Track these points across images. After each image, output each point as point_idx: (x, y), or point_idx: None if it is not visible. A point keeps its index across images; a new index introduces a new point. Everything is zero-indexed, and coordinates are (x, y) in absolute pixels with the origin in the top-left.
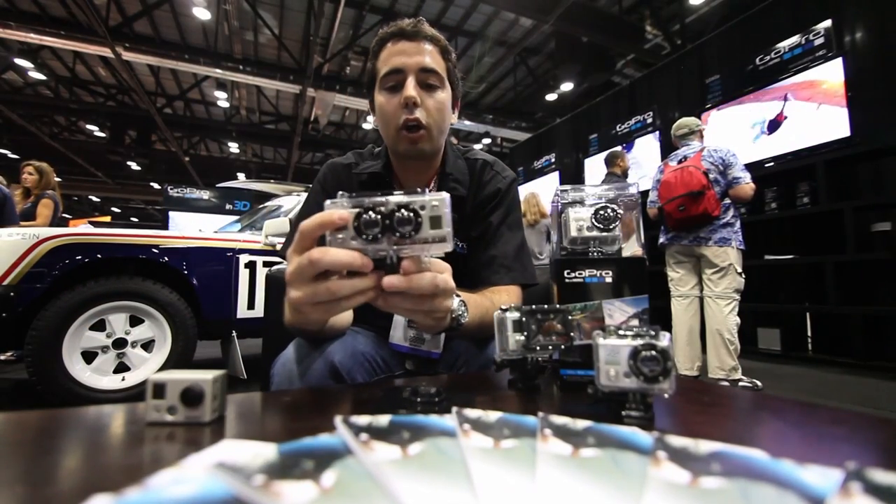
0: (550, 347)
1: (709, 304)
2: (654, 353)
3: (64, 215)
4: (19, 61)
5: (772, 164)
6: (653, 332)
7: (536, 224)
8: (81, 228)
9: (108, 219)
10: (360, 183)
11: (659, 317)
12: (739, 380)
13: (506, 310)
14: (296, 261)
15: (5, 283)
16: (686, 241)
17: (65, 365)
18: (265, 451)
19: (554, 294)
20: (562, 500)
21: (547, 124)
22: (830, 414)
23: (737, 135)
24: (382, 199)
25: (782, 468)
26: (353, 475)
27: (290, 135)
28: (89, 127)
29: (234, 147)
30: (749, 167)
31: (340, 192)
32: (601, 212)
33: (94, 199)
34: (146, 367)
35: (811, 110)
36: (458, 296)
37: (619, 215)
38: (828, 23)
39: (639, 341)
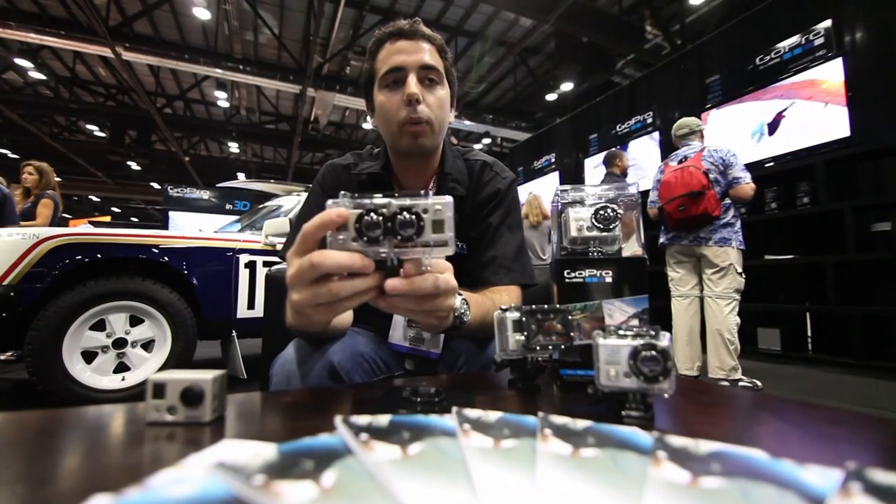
0: (550, 347)
1: (709, 304)
2: (654, 353)
3: (64, 215)
4: (19, 61)
5: (772, 164)
6: (653, 332)
7: (539, 225)
8: (81, 228)
9: (108, 219)
10: (360, 183)
11: (659, 317)
12: (739, 380)
13: (506, 310)
14: (297, 264)
15: (5, 283)
16: (686, 241)
17: (65, 365)
18: (265, 451)
19: (554, 294)
20: (562, 500)
21: (547, 124)
22: (830, 414)
23: (737, 135)
24: (384, 200)
25: (782, 468)
26: (353, 475)
27: (290, 135)
28: (89, 127)
29: (234, 147)
30: (749, 167)
31: (342, 192)
32: (601, 212)
33: (94, 199)
34: (146, 367)
35: (812, 110)
36: (460, 294)
37: (619, 215)
38: (828, 23)
39: (639, 341)
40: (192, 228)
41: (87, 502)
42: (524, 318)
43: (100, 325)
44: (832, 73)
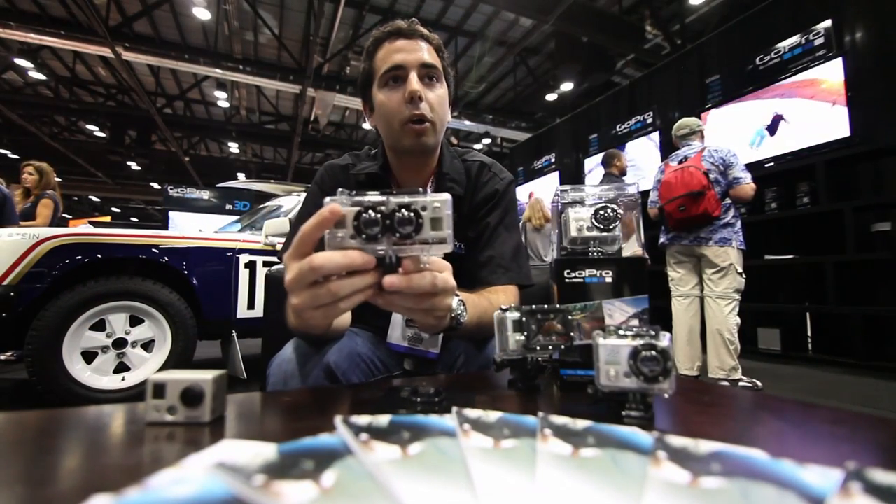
0: (550, 347)
1: (709, 304)
2: (654, 353)
3: (64, 215)
4: (19, 61)
5: (772, 164)
6: (653, 332)
7: (542, 228)
8: (81, 228)
9: (108, 219)
10: (358, 184)
11: (659, 317)
12: (739, 380)
13: (506, 310)
14: (296, 267)
15: (5, 283)
16: (686, 241)
17: (65, 365)
18: (265, 451)
19: (554, 294)
20: (562, 500)
21: (547, 124)
22: (830, 414)
23: (737, 136)
24: (383, 198)
25: (782, 468)
26: (353, 475)
27: (290, 135)
28: (89, 127)
29: (234, 147)
30: (749, 167)
31: (340, 189)
32: (601, 212)
33: (94, 199)
34: (146, 367)
35: (812, 110)
36: (456, 295)
37: (619, 215)
38: (828, 23)
39: (639, 341)
40: (191, 228)
41: (87, 502)
42: (524, 318)
43: (100, 325)
44: (832, 73)
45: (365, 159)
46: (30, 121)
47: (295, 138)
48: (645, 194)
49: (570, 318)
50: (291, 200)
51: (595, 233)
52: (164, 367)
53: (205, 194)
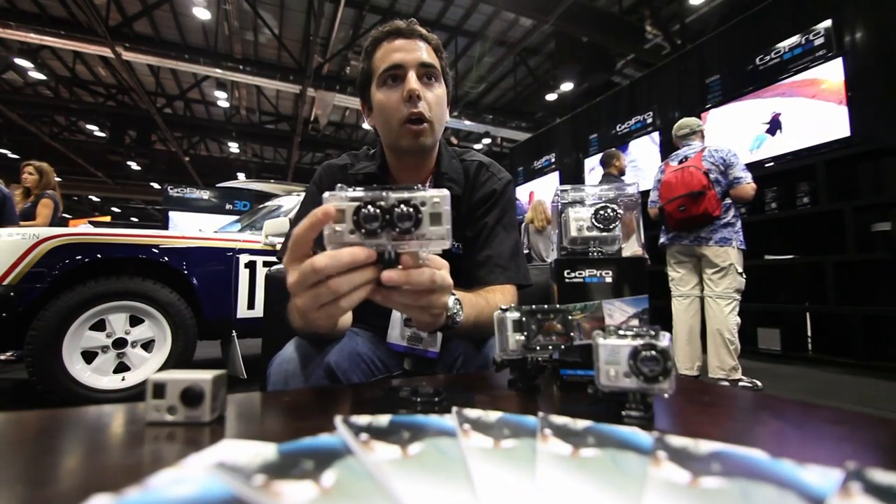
0: (550, 347)
1: (709, 303)
2: (654, 353)
3: (64, 215)
4: (19, 61)
5: (772, 164)
6: (653, 332)
7: (544, 230)
8: (81, 228)
9: (108, 219)
10: (356, 183)
11: (659, 317)
12: (739, 380)
13: (506, 310)
14: (299, 270)
15: (5, 283)
16: (687, 240)
17: (65, 365)
18: (265, 451)
19: (554, 294)
20: (562, 500)
21: (547, 124)
22: (830, 414)
23: (737, 135)
24: (382, 193)
25: (782, 468)
26: (353, 475)
27: (290, 135)
28: (89, 127)
29: (234, 147)
30: (749, 167)
31: (339, 185)
32: (601, 212)
33: (94, 199)
34: (146, 367)
35: (812, 110)
36: (453, 294)
37: (619, 215)
38: (828, 23)
39: (639, 341)
40: (191, 228)
41: (87, 502)
42: (524, 318)
43: (100, 325)
44: (832, 73)
45: (363, 159)
46: (30, 121)
47: (295, 138)
48: (645, 194)
49: (570, 318)
50: (291, 200)
51: (595, 233)
52: (164, 367)
53: (205, 194)
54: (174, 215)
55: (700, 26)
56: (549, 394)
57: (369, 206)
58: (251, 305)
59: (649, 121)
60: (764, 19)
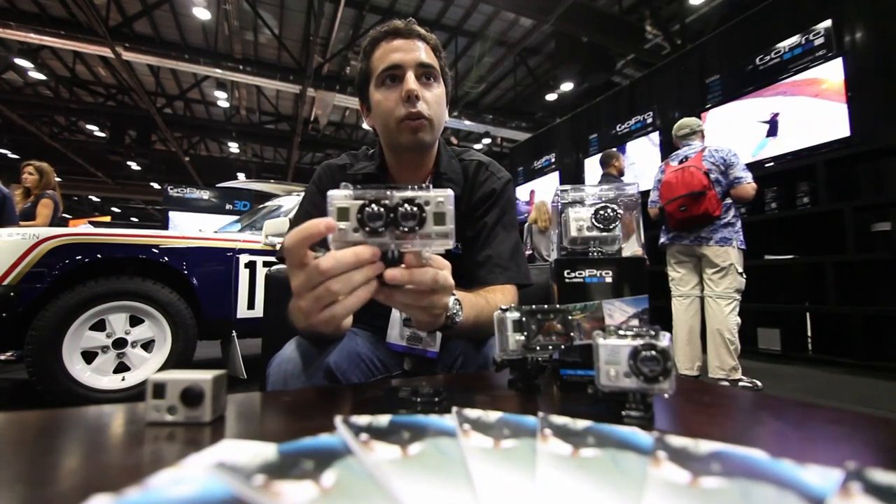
0: (550, 347)
1: (709, 303)
2: (654, 353)
3: (64, 215)
4: (19, 61)
5: (772, 164)
6: (653, 332)
7: (547, 231)
8: (81, 228)
9: (108, 219)
10: (355, 183)
11: (659, 317)
12: (739, 380)
13: (506, 310)
14: (303, 273)
15: (5, 283)
16: (687, 240)
17: (65, 365)
18: (265, 451)
19: (554, 294)
20: (562, 500)
21: (547, 124)
22: (830, 414)
23: (737, 135)
24: (387, 192)
25: (782, 468)
26: (353, 475)
27: (290, 135)
28: (89, 127)
29: (234, 147)
30: (749, 167)
31: (344, 184)
32: (601, 212)
33: (94, 199)
34: (146, 367)
35: (812, 110)
36: (453, 294)
37: (619, 215)
38: (828, 23)
39: (639, 341)
40: (191, 228)
41: (87, 502)
42: (524, 318)
43: (100, 325)
44: (832, 73)
45: (362, 159)
46: (30, 121)
47: (295, 138)
48: (645, 194)
49: (570, 318)
50: (291, 200)
51: (595, 233)
52: (164, 367)
53: (205, 194)
54: (174, 215)
55: (700, 26)
56: (549, 394)
57: (373, 205)
58: (251, 305)
59: (649, 121)
60: (764, 19)
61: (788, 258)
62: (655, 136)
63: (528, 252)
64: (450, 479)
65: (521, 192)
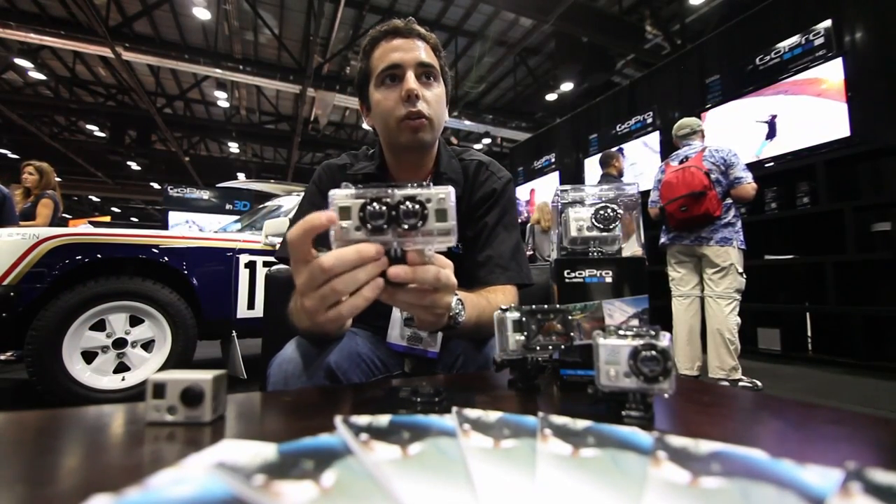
0: (550, 347)
1: (709, 303)
2: (654, 353)
3: (64, 215)
4: (19, 61)
5: (772, 164)
6: (653, 332)
7: (549, 231)
8: (81, 228)
9: (108, 219)
10: (355, 183)
11: (659, 317)
12: (739, 380)
13: (506, 310)
14: (306, 271)
15: (5, 283)
16: (687, 240)
17: (65, 365)
18: (265, 451)
19: (554, 294)
20: (562, 500)
21: (547, 124)
22: (830, 414)
23: (738, 135)
24: (388, 190)
25: (782, 468)
26: (353, 475)
27: (290, 135)
28: (89, 127)
29: (234, 147)
30: (749, 167)
31: (345, 183)
32: (601, 212)
33: (94, 199)
34: (146, 367)
35: (811, 110)
36: (455, 294)
37: (618, 215)
38: (828, 23)
39: (639, 341)
40: (191, 228)
41: (87, 502)
42: (524, 318)
43: (100, 325)
44: (832, 73)
45: (362, 159)
46: (30, 121)
47: (295, 138)
48: (645, 194)
49: (570, 318)
50: (291, 200)
51: (595, 233)
52: (164, 367)
53: (205, 194)
54: (174, 215)
55: (700, 26)
56: (549, 394)
57: (375, 204)
58: (251, 305)
59: (649, 121)
60: (764, 19)
61: (788, 258)
62: (653, 143)
63: (529, 252)
64: (450, 479)
65: (522, 192)
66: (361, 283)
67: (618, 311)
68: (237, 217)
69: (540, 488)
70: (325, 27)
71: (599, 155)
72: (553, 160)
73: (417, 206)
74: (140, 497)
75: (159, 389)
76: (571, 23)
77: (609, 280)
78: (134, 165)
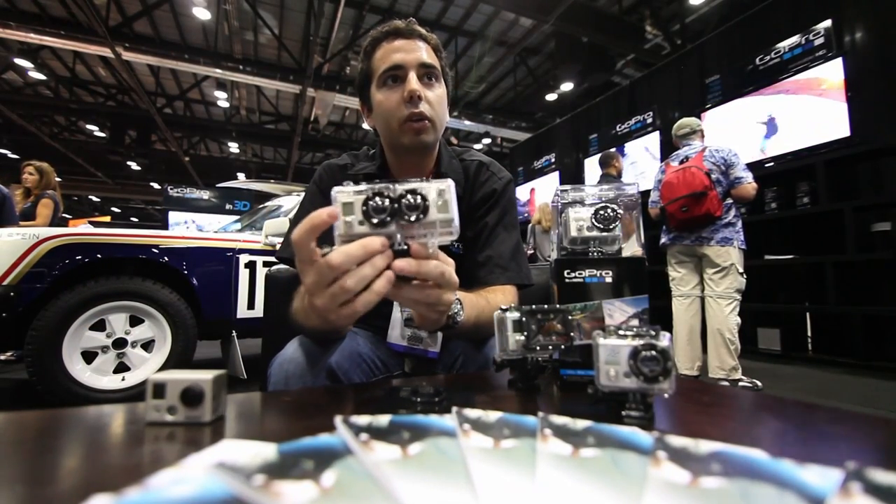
0: (550, 347)
1: (710, 303)
2: (654, 353)
3: (64, 215)
4: (19, 61)
5: (772, 164)
6: (653, 332)
7: (550, 231)
8: (81, 228)
9: (108, 219)
10: (357, 183)
11: (659, 317)
12: (739, 380)
13: (506, 310)
14: (314, 270)
15: (5, 283)
16: (688, 240)
17: (65, 365)
18: (265, 451)
19: (554, 294)
20: (562, 500)
21: (547, 124)
22: (830, 414)
23: (738, 135)
24: (389, 185)
25: (782, 468)
26: (353, 475)
27: (290, 135)
28: (89, 127)
29: (234, 147)
30: (749, 167)
31: (346, 182)
32: (601, 212)
33: (94, 199)
34: (146, 367)
35: (814, 109)
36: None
37: (618, 215)
38: (828, 23)
39: (639, 341)
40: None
41: (87, 502)
42: (524, 318)
43: (100, 325)
44: (832, 73)
45: (363, 159)
46: (30, 121)
47: (295, 138)
48: (645, 194)
49: (570, 318)
50: (291, 200)
51: (595, 233)
52: (164, 367)
53: (205, 194)
54: (174, 215)
55: (700, 26)
56: (549, 394)
57: (377, 198)
58: (251, 305)
59: (649, 121)
60: (764, 19)
61: (788, 258)
62: (653, 148)
63: (530, 252)
64: (450, 479)
65: (522, 192)
66: (369, 278)
67: (618, 311)
68: (237, 217)
69: (540, 488)
70: (325, 27)
71: (599, 155)
72: (553, 160)
73: (419, 199)
74: (140, 497)
75: (159, 389)
76: (571, 23)
77: (609, 280)
78: (134, 165)
